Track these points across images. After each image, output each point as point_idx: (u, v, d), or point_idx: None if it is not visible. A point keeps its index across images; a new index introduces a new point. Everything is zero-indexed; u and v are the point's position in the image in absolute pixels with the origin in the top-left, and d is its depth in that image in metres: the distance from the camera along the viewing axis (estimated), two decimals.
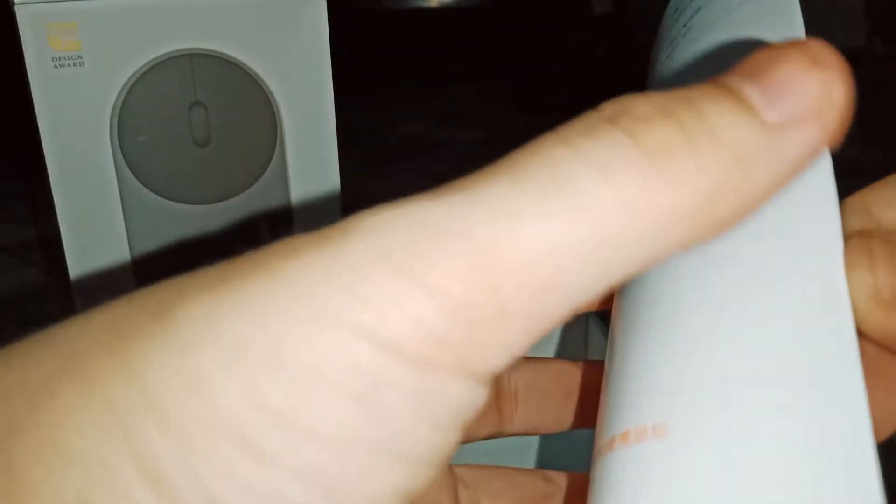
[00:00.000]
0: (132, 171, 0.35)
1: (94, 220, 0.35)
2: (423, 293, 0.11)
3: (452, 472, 0.20)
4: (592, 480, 0.14)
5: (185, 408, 0.11)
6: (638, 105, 0.12)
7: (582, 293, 0.12)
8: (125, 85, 0.34)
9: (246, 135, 0.36)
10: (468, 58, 0.96)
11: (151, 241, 0.36)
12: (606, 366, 0.16)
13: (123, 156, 0.35)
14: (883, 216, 0.17)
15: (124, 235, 0.36)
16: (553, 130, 0.12)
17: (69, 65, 0.33)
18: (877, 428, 0.13)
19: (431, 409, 0.11)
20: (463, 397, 0.12)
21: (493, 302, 0.11)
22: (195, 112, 0.35)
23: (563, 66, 0.97)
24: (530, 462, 0.34)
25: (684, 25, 0.21)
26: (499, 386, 0.20)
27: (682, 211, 0.12)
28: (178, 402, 0.11)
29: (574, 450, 0.24)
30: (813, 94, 0.12)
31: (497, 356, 0.12)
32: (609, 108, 0.12)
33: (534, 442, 0.34)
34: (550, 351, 0.35)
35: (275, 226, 0.38)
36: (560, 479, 0.21)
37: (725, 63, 0.14)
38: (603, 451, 0.14)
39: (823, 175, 0.16)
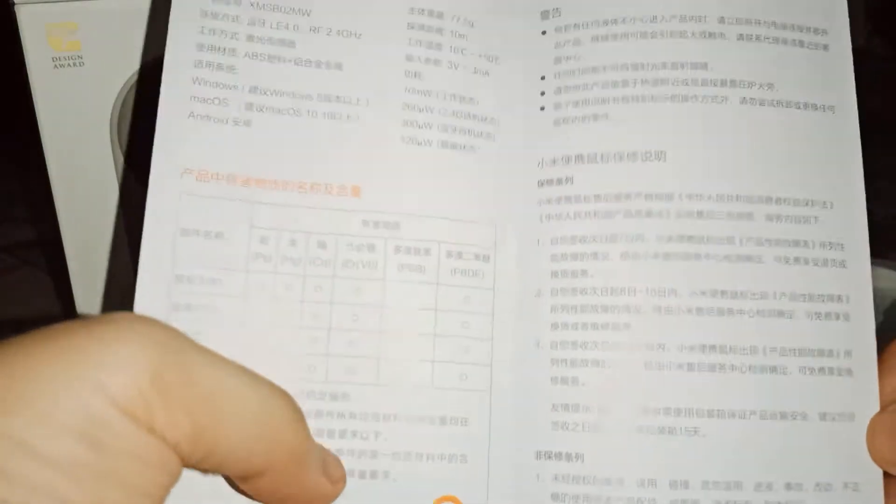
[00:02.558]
0: (132, 171, 0.35)
1: (94, 220, 0.35)
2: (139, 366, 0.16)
3: None
4: None
5: None
6: None
7: None
8: (125, 85, 0.33)
9: None
10: None
11: None
12: None
13: (123, 156, 0.35)
14: None
15: (124, 235, 0.36)
16: None
17: (69, 65, 0.33)
18: None
19: (142, 453, 0.16)
20: (159, 454, 0.16)
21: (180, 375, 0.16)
22: None
23: None
24: None
25: None
26: None
27: None
28: None
29: None
30: None
31: (180, 423, 0.16)
32: None
33: None
34: None
35: None
36: None
37: None
38: None
39: None
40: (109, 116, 0.34)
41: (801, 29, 0.24)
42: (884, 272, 0.37)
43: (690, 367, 0.22)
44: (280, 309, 0.22)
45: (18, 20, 0.32)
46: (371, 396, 0.22)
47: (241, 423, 0.17)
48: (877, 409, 0.22)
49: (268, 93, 0.23)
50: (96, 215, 0.35)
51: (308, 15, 0.24)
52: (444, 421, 0.22)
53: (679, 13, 0.24)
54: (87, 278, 0.36)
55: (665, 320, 0.22)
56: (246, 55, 0.23)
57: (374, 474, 0.22)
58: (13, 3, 0.31)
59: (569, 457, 0.22)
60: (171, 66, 0.23)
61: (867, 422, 0.22)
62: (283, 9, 0.24)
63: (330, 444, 0.21)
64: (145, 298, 0.21)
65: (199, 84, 0.23)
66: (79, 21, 0.32)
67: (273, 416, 0.18)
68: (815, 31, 0.24)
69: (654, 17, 0.24)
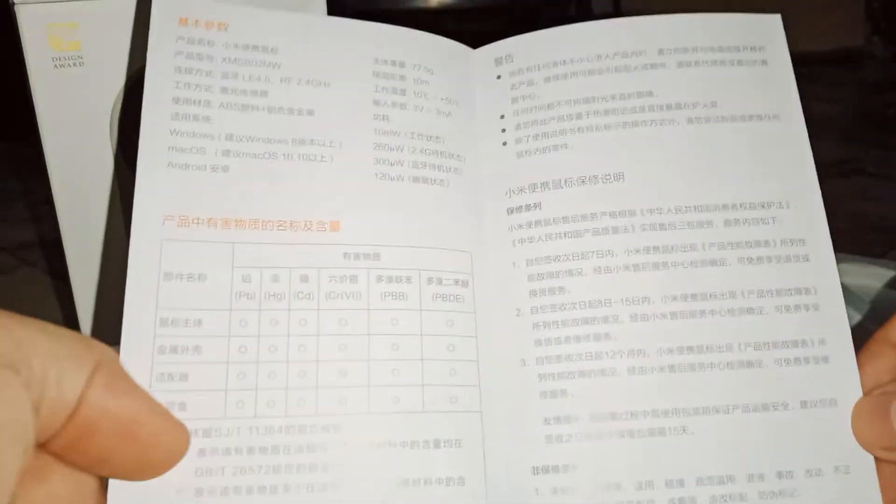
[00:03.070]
0: (132, 171, 0.35)
1: (94, 220, 0.35)
2: None
3: None
4: None
5: None
6: None
7: None
8: (125, 85, 0.34)
9: None
10: None
11: None
12: None
13: (123, 156, 0.35)
14: None
15: (124, 235, 0.36)
16: None
17: (69, 65, 0.33)
18: None
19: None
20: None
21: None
22: None
23: None
24: None
25: None
26: None
27: None
28: None
29: None
30: None
31: None
32: None
33: None
34: None
35: None
36: None
37: None
38: None
39: None
40: (109, 116, 0.34)
41: (738, 49, 0.26)
42: (880, 270, 0.37)
43: (672, 368, 0.23)
44: (266, 345, 0.22)
45: (18, 20, 0.32)
46: (363, 426, 0.22)
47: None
48: (858, 392, 0.23)
49: (243, 139, 0.24)
50: (96, 215, 0.35)
51: (278, 67, 0.25)
52: (438, 444, 0.22)
53: (621, 50, 0.27)
54: (87, 278, 0.36)
55: (642, 327, 0.24)
56: (220, 106, 0.24)
57: None
58: (13, 3, 0.31)
59: (565, 468, 0.23)
60: (148, 120, 0.23)
61: (850, 406, 0.22)
62: (254, 62, 0.25)
63: (323, 477, 0.21)
64: (131, 341, 0.21)
65: (177, 135, 0.23)
66: (79, 21, 0.32)
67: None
68: (753, 48, 0.26)
69: (599, 56, 0.27)
